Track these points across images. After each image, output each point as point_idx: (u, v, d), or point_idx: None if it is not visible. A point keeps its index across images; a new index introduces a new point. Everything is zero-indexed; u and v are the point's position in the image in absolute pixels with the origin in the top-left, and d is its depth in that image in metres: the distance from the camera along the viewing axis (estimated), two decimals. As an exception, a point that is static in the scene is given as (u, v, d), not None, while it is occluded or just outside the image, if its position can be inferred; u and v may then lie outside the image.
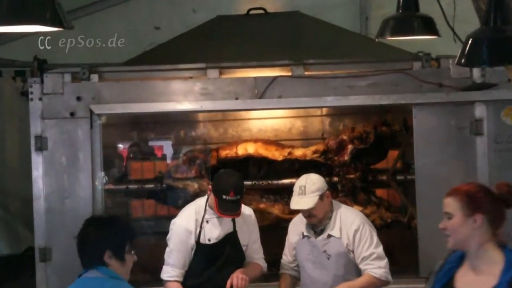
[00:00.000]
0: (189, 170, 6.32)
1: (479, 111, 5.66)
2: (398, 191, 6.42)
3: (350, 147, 6.18)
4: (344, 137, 6.22)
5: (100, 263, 3.52)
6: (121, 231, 3.59)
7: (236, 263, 4.90)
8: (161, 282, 4.96)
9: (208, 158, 6.31)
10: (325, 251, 4.84)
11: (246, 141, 6.42)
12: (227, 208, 4.68)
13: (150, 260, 6.30)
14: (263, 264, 5.04)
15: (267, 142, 6.41)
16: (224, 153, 6.26)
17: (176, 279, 4.84)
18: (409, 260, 6.00)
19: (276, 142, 6.45)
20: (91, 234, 3.58)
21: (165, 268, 4.90)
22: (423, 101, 5.69)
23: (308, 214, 4.79)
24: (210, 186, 4.85)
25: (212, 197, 4.76)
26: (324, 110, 6.85)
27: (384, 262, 4.83)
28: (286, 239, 5.12)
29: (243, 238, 4.93)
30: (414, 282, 5.63)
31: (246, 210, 5.01)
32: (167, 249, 4.92)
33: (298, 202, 4.76)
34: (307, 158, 6.24)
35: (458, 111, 5.69)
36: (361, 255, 4.79)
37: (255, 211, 5.22)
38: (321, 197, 4.77)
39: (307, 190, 4.74)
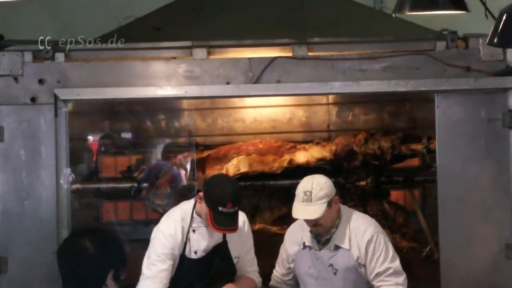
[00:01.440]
0: (171, 194, 6.27)
1: (514, 100, 5.64)
2: (418, 211, 6.41)
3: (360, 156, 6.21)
4: (355, 149, 6.21)
5: (99, 285, 3.44)
6: (121, 247, 3.57)
7: (225, 279, 4.85)
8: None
9: (194, 158, 6.27)
10: (331, 265, 4.80)
11: (237, 152, 6.36)
12: (223, 222, 4.61)
13: (125, 272, 6.30)
14: (257, 279, 5.00)
15: (261, 150, 6.35)
16: (212, 174, 6.17)
17: None
18: (429, 273, 5.99)
19: (272, 146, 6.39)
20: (91, 250, 3.47)
21: (143, 283, 4.80)
22: (447, 87, 5.66)
23: (314, 223, 4.75)
24: (200, 194, 4.76)
25: (203, 207, 4.68)
26: (331, 98, 6.83)
27: (402, 278, 4.79)
28: (281, 248, 5.08)
29: (234, 250, 4.88)
30: (435, 300, 5.63)
31: (239, 216, 4.95)
32: (146, 260, 4.82)
33: (303, 210, 4.70)
34: (311, 165, 6.22)
35: (489, 100, 5.66)
36: (375, 270, 4.74)
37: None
38: (329, 204, 4.72)
39: (314, 196, 4.68)
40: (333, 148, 6.31)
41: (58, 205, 5.71)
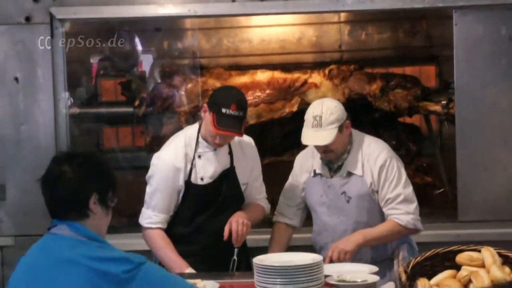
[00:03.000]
0: (171, 91, 6.24)
1: (537, 16, 5.61)
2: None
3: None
4: (370, 99, 6.20)
5: (80, 213, 3.37)
6: (103, 168, 3.46)
7: (234, 207, 4.81)
8: (140, 228, 4.93)
9: (198, 80, 6.25)
10: (344, 193, 4.78)
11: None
12: (226, 123, 4.52)
13: (127, 201, 6.33)
14: (266, 205, 5.00)
15: (270, 96, 6.22)
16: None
17: (159, 226, 4.72)
18: (445, 201, 6.04)
19: (282, 87, 6.23)
20: (70, 173, 3.36)
21: (145, 212, 4.77)
22: (466, 3, 5.62)
23: (324, 149, 4.72)
24: (204, 105, 4.68)
25: (207, 119, 4.61)
26: (343, 16, 6.78)
27: (413, 206, 4.76)
28: (291, 176, 5.03)
29: (242, 176, 4.84)
30: (452, 228, 5.67)
31: (245, 137, 4.91)
32: (148, 189, 4.78)
33: (313, 136, 4.65)
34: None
35: (511, 17, 5.62)
36: (386, 196, 4.72)
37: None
38: (340, 129, 4.67)
39: (324, 121, 4.62)
40: (346, 91, 6.22)
41: (57, 131, 5.74)
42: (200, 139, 4.73)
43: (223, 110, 4.52)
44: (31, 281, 3.31)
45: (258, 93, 6.21)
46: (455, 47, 5.71)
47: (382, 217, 4.79)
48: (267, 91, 6.19)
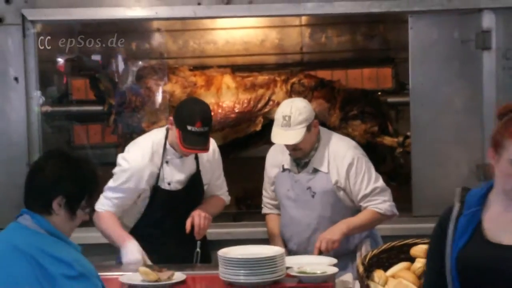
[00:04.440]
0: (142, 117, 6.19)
1: (487, 20, 5.61)
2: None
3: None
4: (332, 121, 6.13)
5: (44, 209, 3.30)
6: (85, 177, 3.35)
7: (196, 205, 4.80)
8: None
9: (165, 80, 6.19)
10: (309, 188, 4.79)
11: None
12: (192, 141, 4.48)
13: (97, 197, 6.29)
14: (226, 198, 4.99)
15: (235, 119, 6.12)
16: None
17: (110, 209, 4.67)
18: (401, 196, 6.05)
19: (246, 110, 6.11)
20: (47, 168, 3.32)
21: (101, 199, 4.69)
22: (421, 8, 5.63)
23: (293, 147, 4.73)
24: (170, 119, 4.63)
25: (174, 131, 4.57)
26: (304, 19, 6.78)
27: (388, 194, 4.82)
28: (265, 172, 5.04)
29: (205, 178, 4.83)
30: (407, 222, 5.68)
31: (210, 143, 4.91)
32: (111, 184, 4.72)
33: (283, 135, 4.66)
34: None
35: (462, 21, 5.64)
36: (361, 193, 4.75)
37: None
38: (309, 128, 4.68)
39: (293, 121, 4.63)
40: (313, 106, 6.16)
41: (29, 128, 5.68)
42: (168, 146, 4.70)
43: (189, 128, 4.48)
44: None
45: (223, 118, 6.10)
46: (410, 50, 5.72)
47: (346, 212, 4.81)
48: (232, 115, 6.10)
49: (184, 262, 4.56)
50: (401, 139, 6.15)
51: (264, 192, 5.06)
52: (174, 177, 4.72)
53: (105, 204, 4.69)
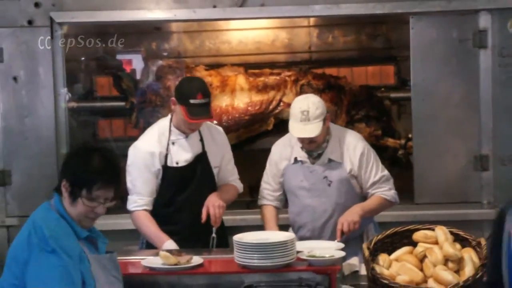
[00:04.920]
0: (164, 91, 6.19)
1: (484, 21, 5.60)
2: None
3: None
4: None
5: (58, 189, 3.41)
6: (88, 169, 3.36)
7: (208, 187, 4.80)
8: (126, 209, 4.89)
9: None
10: (325, 177, 4.81)
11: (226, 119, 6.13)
12: (197, 111, 4.54)
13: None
14: (239, 185, 4.98)
15: (248, 120, 6.12)
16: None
17: (145, 208, 4.68)
18: (403, 184, 6.04)
19: (259, 111, 6.13)
20: (68, 155, 3.53)
21: (130, 198, 4.71)
22: (421, 10, 5.62)
23: (310, 140, 4.74)
24: (173, 99, 4.68)
25: (177, 110, 4.62)
26: (312, 20, 6.77)
27: (392, 183, 4.88)
28: (269, 164, 5.00)
29: (213, 160, 4.83)
30: (409, 209, 5.68)
31: (215, 127, 4.94)
32: (129, 178, 4.72)
33: (303, 129, 4.65)
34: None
35: (460, 21, 5.63)
36: (370, 180, 4.79)
37: None
38: (324, 122, 4.72)
39: (311, 115, 4.64)
40: None
41: (57, 122, 5.71)
42: (173, 128, 4.74)
43: (191, 101, 4.54)
44: None
45: (238, 120, 6.12)
46: (411, 49, 5.72)
47: (355, 199, 4.83)
48: (245, 117, 6.11)
49: (199, 241, 4.59)
50: (403, 141, 6.17)
51: (265, 185, 5.00)
52: (181, 156, 4.74)
53: (137, 201, 4.68)
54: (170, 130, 4.73)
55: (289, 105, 5.94)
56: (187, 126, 4.67)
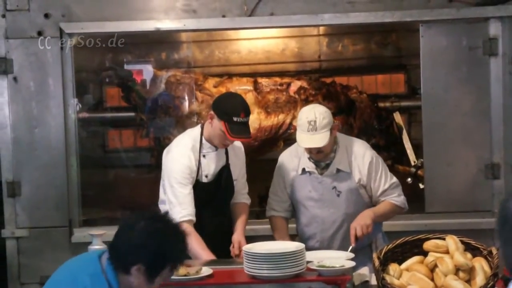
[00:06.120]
0: (174, 97, 6.20)
1: (494, 28, 5.58)
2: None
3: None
4: None
5: (123, 268, 3.18)
6: (169, 250, 3.18)
7: (230, 198, 4.87)
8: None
9: (193, 88, 6.20)
10: (334, 188, 4.79)
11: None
12: (239, 130, 4.56)
13: (130, 196, 6.31)
14: (248, 201, 5.01)
15: (258, 146, 6.14)
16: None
17: (190, 218, 4.60)
18: (414, 193, 6.02)
19: (269, 136, 6.16)
20: (136, 231, 3.16)
21: (174, 210, 4.59)
22: (431, 18, 5.61)
23: (317, 150, 4.72)
24: (211, 113, 4.65)
25: (215, 125, 4.61)
26: (321, 29, 6.76)
27: (400, 189, 4.87)
28: (276, 175, 4.97)
29: (234, 172, 4.86)
30: (420, 218, 5.66)
31: (236, 142, 4.91)
32: (169, 189, 4.68)
33: (310, 139, 4.63)
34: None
35: (470, 29, 5.61)
36: (380, 188, 4.78)
37: None
38: (331, 131, 4.70)
39: (318, 125, 4.62)
40: None
41: (66, 133, 5.71)
42: (204, 141, 4.74)
43: (235, 119, 4.56)
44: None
45: (248, 146, 6.03)
46: (421, 57, 5.70)
47: (364, 208, 4.79)
48: (255, 143, 6.09)
49: (218, 251, 4.57)
50: (413, 170, 6.18)
51: (273, 196, 4.97)
52: (210, 169, 4.76)
53: (181, 211, 4.61)
54: (201, 143, 4.74)
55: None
56: (222, 141, 4.68)
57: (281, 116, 6.14)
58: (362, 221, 4.61)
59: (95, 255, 3.29)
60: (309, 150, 4.73)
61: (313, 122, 4.62)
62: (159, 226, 3.20)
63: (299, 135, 4.68)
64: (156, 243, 3.15)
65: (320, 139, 4.62)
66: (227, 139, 4.63)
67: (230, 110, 4.59)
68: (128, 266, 3.16)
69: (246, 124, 4.61)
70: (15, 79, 5.64)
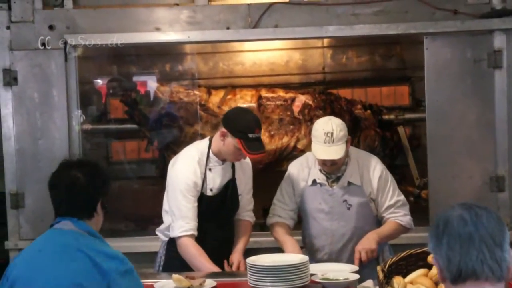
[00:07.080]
0: (175, 135, 6.20)
1: (499, 41, 5.58)
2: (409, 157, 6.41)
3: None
4: None
5: (88, 213, 3.40)
6: (107, 177, 3.54)
7: (234, 213, 4.86)
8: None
9: (197, 100, 6.20)
10: (345, 201, 4.78)
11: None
12: (255, 146, 4.55)
13: (134, 207, 6.31)
14: (252, 219, 4.99)
15: (262, 169, 6.11)
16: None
17: (192, 232, 4.60)
18: (418, 206, 6.01)
19: (272, 158, 6.19)
20: (82, 180, 3.38)
21: (177, 223, 4.62)
22: (435, 30, 5.60)
23: (332, 162, 4.71)
24: (224, 131, 4.62)
25: (228, 142, 4.59)
26: (326, 41, 6.77)
27: (408, 209, 4.85)
28: (285, 183, 4.96)
29: (240, 187, 4.84)
30: (424, 231, 5.61)
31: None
32: (173, 202, 4.67)
33: (327, 151, 4.63)
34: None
35: (475, 42, 5.61)
36: (386, 203, 4.76)
37: None
38: (346, 144, 4.71)
39: (335, 137, 4.62)
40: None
41: (70, 145, 5.70)
42: (211, 155, 4.72)
43: (250, 135, 4.54)
44: (33, 264, 3.30)
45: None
46: (426, 69, 5.70)
47: (374, 222, 4.80)
48: (259, 166, 6.04)
49: (221, 263, 4.58)
50: (417, 191, 6.20)
51: (279, 203, 4.95)
52: (216, 183, 4.75)
53: (183, 225, 4.61)
54: (208, 157, 4.73)
55: (302, 151, 5.97)
56: (236, 157, 4.68)
57: (285, 139, 6.14)
58: (367, 245, 4.59)
59: (52, 230, 3.42)
60: (323, 162, 4.72)
61: (330, 134, 4.62)
62: (89, 163, 3.53)
63: (315, 146, 4.67)
64: (101, 174, 3.48)
65: (337, 151, 4.62)
66: (242, 155, 4.63)
67: (244, 127, 4.56)
68: (94, 208, 3.41)
69: (260, 139, 4.61)
70: (19, 90, 5.65)
